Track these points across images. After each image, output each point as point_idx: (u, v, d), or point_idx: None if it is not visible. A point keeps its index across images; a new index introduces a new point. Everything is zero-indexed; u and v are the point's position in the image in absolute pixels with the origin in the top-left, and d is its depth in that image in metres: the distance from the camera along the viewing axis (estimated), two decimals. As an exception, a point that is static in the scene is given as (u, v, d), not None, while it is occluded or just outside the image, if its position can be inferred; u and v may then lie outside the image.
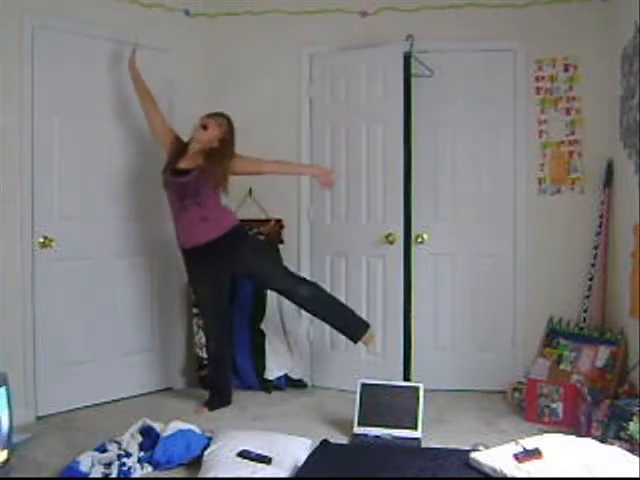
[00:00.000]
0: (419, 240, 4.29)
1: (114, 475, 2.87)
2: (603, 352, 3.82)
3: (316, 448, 3.05)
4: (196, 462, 2.97)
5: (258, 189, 4.39)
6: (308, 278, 4.13)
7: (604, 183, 4.08)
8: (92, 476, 2.84)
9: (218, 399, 3.94)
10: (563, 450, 2.80)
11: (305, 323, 4.36)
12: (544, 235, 4.19)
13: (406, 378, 4.13)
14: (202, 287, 3.94)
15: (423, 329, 4.29)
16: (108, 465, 2.92)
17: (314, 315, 3.99)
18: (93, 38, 3.93)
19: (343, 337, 3.96)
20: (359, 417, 3.42)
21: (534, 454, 2.74)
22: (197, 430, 3.20)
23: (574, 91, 4.15)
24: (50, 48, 3.73)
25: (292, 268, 4.08)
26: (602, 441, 2.99)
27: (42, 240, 3.72)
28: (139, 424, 3.24)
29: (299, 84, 4.44)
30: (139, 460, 2.99)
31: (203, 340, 4.16)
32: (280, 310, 4.31)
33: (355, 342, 3.89)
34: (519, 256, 4.24)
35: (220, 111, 3.85)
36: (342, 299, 4.09)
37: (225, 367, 4.01)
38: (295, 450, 3.01)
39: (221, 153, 3.73)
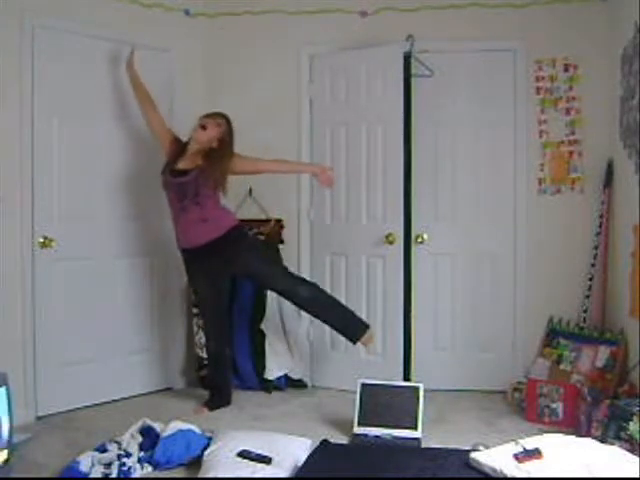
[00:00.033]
0: (419, 240, 4.29)
1: (114, 475, 2.87)
2: (603, 352, 3.82)
3: (316, 448, 3.05)
4: (196, 462, 2.97)
5: (258, 189, 4.39)
6: (308, 279, 4.13)
7: (604, 183, 4.08)
8: (92, 476, 2.84)
9: (218, 399, 3.94)
10: (563, 450, 2.80)
11: (305, 323, 4.36)
12: (544, 235, 4.19)
13: (406, 378, 4.13)
14: (202, 287, 3.93)
15: (423, 329, 4.29)
16: (108, 465, 2.92)
17: (313, 316, 3.99)
18: (93, 38, 3.93)
19: (343, 337, 3.97)
20: (359, 417, 3.42)
21: (534, 454, 2.74)
22: (197, 430, 3.20)
23: (574, 91, 4.15)
24: (50, 48, 3.73)
25: (292, 268, 4.08)
26: (602, 441, 2.99)
27: (42, 240, 3.72)
28: (139, 424, 3.24)
29: (299, 84, 4.43)
30: (139, 460, 2.99)
31: (203, 340, 4.16)
32: (280, 310, 4.31)
33: (354, 343, 3.89)
34: (519, 256, 4.24)
35: (219, 111, 3.85)
36: (342, 299, 4.09)
37: (225, 367, 4.01)
38: (295, 450, 3.01)
39: (220, 153, 3.73)
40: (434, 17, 4.23)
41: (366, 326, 3.88)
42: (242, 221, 3.97)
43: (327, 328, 4.09)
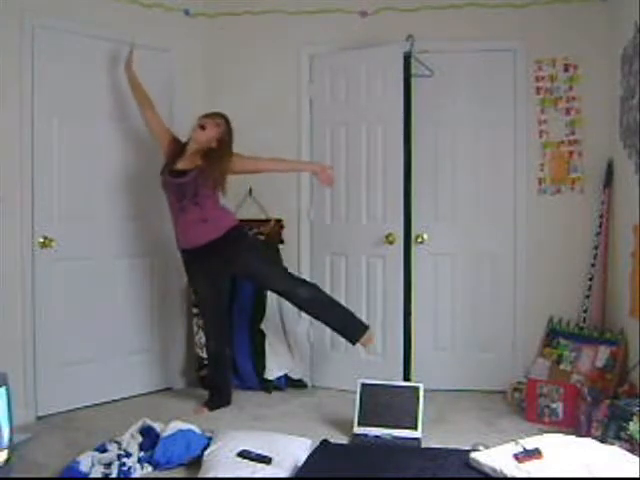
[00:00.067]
0: (419, 240, 4.29)
1: (114, 475, 2.87)
2: (603, 352, 3.82)
3: (316, 448, 3.05)
4: (196, 462, 2.97)
5: (258, 189, 4.39)
6: (308, 279, 4.13)
7: (604, 183, 4.08)
8: (92, 476, 2.84)
9: (218, 399, 3.94)
10: (563, 450, 2.80)
11: (305, 323, 4.36)
12: (544, 235, 4.19)
13: (406, 378, 4.13)
14: (202, 287, 3.93)
15: (423, 329, 4.29)
16: (108, 465, 2.92)
17: (313, 317, 3.99)
18: (93, 38, 3.93)
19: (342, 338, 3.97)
20: (359, 417, 3.42)
21: (534, 454, 2.74)
22: (197, 430, 3.20)
23: (574, 91, 4.15)
24: (50, 48, 3.73)
25: (292, 268, 4.08)
26: (602, 441, 2.99)
27: (42, 240, 3.72)
28: (139, 424, 3.24)
29: (299, 84, 4.43)
30: (139, 460, 2.99)
31: (203, 340, 4.16)
32: (280, 310, 4.31)
33: (354, 344, 3.88)
34: (519, 256, 4.24)
35: (218, 111, 3.84)
36: (342, 299, 4.09)
37: (225, 367, 4.01)
38: (295, 450, 3.01)
39: (219, 153, 3.72)
40: (434, 17, 4.23)
41: (365, 327, 3.88)
42: (242, 221, 3.97)
43: (327, 328, 4.08)
